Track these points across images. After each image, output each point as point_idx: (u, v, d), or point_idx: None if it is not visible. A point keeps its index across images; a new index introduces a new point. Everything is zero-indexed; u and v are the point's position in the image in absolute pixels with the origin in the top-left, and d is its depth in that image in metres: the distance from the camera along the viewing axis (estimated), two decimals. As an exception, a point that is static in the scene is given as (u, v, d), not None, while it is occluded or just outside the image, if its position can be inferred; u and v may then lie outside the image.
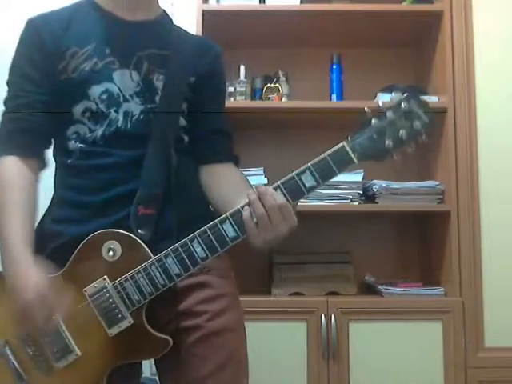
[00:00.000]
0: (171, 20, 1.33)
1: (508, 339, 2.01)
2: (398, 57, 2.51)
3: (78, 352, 1.08)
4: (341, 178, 2.15)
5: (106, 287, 1.08)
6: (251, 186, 1.25)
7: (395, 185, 2.13)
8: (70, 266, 1.11)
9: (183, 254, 1.06)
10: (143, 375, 1.35)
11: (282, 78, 2.34)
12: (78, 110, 1.18)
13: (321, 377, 1.96)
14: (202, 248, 1.06)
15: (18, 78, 1.20)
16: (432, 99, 2.16)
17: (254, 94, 2.34)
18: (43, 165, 1.23)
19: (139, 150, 1.17)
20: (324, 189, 2.14)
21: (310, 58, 2.48)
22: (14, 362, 1.07)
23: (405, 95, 1.05)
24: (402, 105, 1.04)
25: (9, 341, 1.08)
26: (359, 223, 2.41)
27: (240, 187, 1.23)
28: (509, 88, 2.09)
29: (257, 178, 2.17)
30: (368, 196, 2.18)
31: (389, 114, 1.04)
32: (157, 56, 1.22)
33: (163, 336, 1.09)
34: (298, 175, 1.05)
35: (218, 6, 2.21)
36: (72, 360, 1.08)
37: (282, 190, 1.05)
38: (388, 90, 2.25)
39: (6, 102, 1.21)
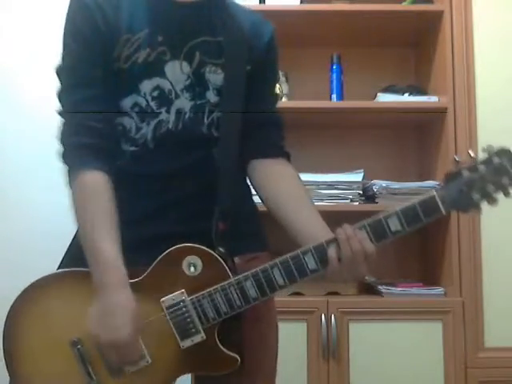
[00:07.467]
0: None
1: (508, 339, 2.02)
2: (398, 57, 2.51)
3: (149, 359, 1.07)
4: (341, 177, 2.17)
5: (183, 301, 1.07)
6: (304, 185, 1.24)
7: (395, 185, 2.13)
8: (149, 274, 1.08)
9: (262, 280, 1.07)
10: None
11: (282, 78, 2.34)
12: (127, 103, 1.11)
13: (321, 377, 1.96)
14: (282, 276, 1.08)
15: (71, 64, 1.10)
16: (432, 99, 2.17)
17: (254, 93, 2.34)
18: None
19: (193, 153, 1.12)
20: (324, 189, 2.14)
21: (310, 58, 2.47)
22: (86, 361, 1.07)
23: (497, 149, 1.06)
24: (495, 159, 1.05)
25: (81, 339, 1.07)
26: (359, 223, 2.41)
27: (295, 187, 1.21)
28: (509, 88, 2.09)
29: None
30: (368, 196, 2.17)
31: (481, 167, 1.06)
32: (210, 44, 1.13)
33: (232, 354, 1.09)
34: (385, 218, 1.09)
35: (218, 6, 2.21)
36: (142, 366, 1.07)
37: (367, 231, 1.11)
38: (388, 90, 2.26)
39: (60, 96, 1.11)
